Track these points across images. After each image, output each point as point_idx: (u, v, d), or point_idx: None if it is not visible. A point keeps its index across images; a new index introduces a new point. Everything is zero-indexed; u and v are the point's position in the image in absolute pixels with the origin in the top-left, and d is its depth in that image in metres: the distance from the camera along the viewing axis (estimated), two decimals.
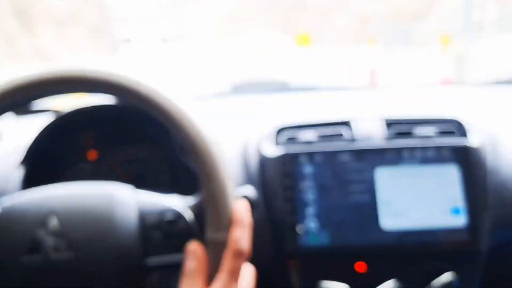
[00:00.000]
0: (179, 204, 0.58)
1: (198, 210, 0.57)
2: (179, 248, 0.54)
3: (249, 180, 0.82)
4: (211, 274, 0.50)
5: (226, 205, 0.51)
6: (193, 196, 0.59)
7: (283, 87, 1.55)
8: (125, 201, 0.56)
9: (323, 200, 0.78)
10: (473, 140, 0.81)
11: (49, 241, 0.52)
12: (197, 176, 0.52)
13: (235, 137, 0.91)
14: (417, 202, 0.77)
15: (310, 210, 0.78)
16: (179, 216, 0.56)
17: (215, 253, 0.50)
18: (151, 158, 0.95)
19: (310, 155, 0.80)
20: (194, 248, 0.51)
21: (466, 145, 0.79)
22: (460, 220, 0.77)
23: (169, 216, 0.56)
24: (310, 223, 0.77)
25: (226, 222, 0.50)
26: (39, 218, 0.53)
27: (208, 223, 0.51)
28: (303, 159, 0.79)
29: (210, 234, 0.51)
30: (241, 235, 0.50)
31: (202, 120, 0.53)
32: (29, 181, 0.82)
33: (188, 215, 0.57)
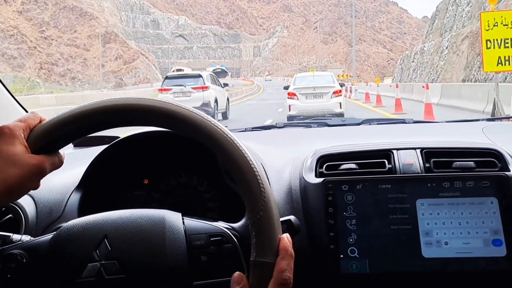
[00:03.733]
0: (225, 228, 0.61)
1: (243, 234, 0.60)
2: (225, 269, 0.57)
3: (291, 206, 0.84)
4: None
5: (271, 229, 0.52)
6: (239, 221, 0.62)
7: (328, 119, 1.58)
8: (173, 226, 0.60)
9: (364, 228, 0.79)
10: None
11: (103, 264, 0.57)
12: (243, 202, 0.54)
13: (279, 165, 0.95)
14: (458, 232, 0.78)
15: (351, 238, 0.79)
16: (225, 240, 0.60)
17: (259, 277, 0.52)
18: (200, 187, 0.99)
19: (351, 183, 0.82)
20: (238, 278, 0.53)
21: (505, 176, 0.79)
22: (500, 250, 0.76)
23: (215, 240, 0.59)
24: (351, 251, 0.79)
25: (270, 247, 0.52)
26: (93, 243, 0.58)
27: (253, 247, 0.53)
28: (344, 187, 0.81)
29: (254, 257, 0.52)
30: (286, 267, 0.52)
31: (247, 147, 0.55)
32: (86, 206, 0.88)
33: (234, 239, 0.60)
